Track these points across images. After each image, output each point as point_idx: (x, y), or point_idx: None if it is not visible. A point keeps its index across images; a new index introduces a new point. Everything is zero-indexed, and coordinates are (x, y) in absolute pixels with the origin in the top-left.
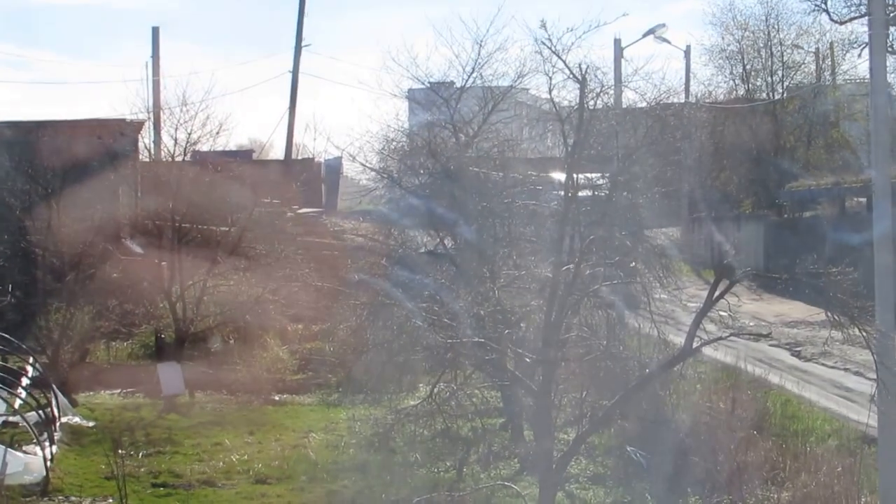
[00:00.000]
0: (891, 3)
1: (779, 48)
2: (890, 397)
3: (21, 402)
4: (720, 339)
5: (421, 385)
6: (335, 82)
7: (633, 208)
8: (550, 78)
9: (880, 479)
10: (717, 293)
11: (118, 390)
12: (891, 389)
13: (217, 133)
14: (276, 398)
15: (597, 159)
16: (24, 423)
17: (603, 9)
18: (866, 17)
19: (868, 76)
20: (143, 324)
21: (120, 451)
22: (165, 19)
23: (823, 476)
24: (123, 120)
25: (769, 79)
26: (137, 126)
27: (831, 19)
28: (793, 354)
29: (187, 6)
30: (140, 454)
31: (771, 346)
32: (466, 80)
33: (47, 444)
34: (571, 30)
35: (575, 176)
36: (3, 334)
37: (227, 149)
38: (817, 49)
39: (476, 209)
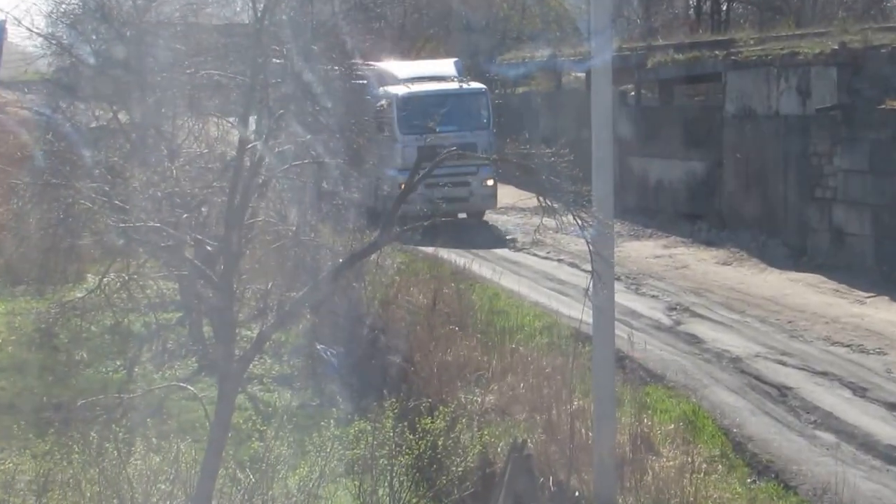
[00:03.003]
0: None
1: None
2: (605, 291)
3: None
4: (419, 225)
5: (89, 275)
6: None
7: (328, 81)
8: None
9: (594, 381)
10: (419, 175)
11: None
12: (606, 283)
13: None
14: None
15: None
16: None
17: None
18: None
19: None
20: None
21: None
22: None
23: (532, 377)
24: None
25: None
26: None
27: None
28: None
29: None
30: None
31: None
32: None
33: None
34: None
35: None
36: None
37: None
38: None
39: (155, 80)
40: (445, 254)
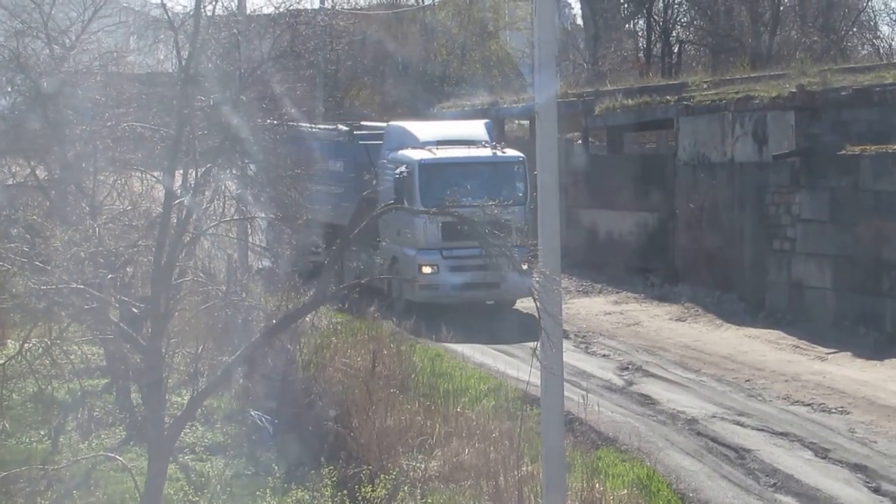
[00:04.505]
0: None
1: None
2: (554, 351)
3: None
4: (358, 282)
5: (9, 341)
6: None
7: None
8: None
9: (543, 446)
10: (358, 228)
11: None
12: (555, 341)
13: None
14: None
15: (217, 73)
16: None
17: None
18: None
19: None
20: None
21: None
22: None
23: (478, 442)
24: None
25: None
26: None
27: None
28: None
29: None
30: None
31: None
32: None
33: None
34: None
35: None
36: None
37: None
38: None
39: (74, 133)
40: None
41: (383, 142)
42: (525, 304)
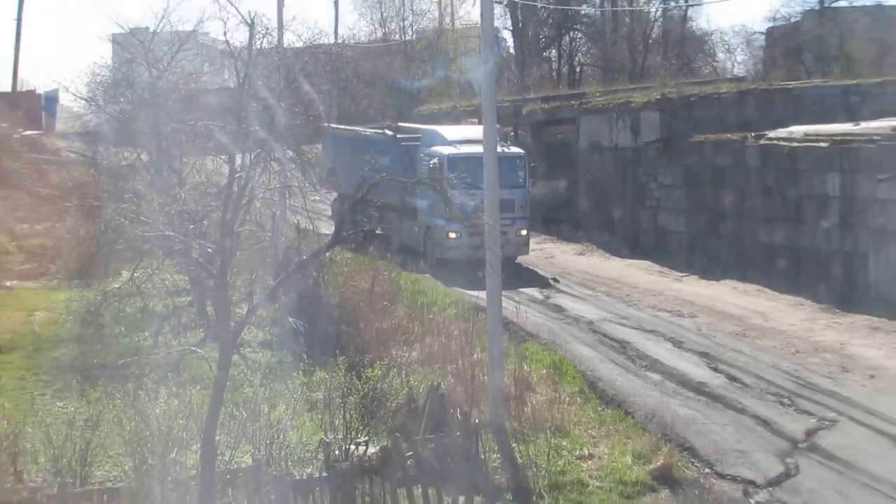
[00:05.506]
0: None
1: None
2: (494, 275)
3: None
4: (360, 231)
5: (123, 271)
6: (55, 27)
7: (292, 129)
8: (225, 23)
9: (488, 340)
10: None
11: None
12: (495, 269)
13: None
14: (7, 284)
15: (263, 87)
16: None
17: None
18: None
19: (479, 21)
20: None
21: None
22: None
23: (444, 337)
24: None
25: (402, 23)
26: None
27: None
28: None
29: None
30: None
31: None
32: (158, 26)
33: None
34: None
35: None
36: None
37: None
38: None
39: (166, 129)
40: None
41: (420, 141)
42: (522, 259)
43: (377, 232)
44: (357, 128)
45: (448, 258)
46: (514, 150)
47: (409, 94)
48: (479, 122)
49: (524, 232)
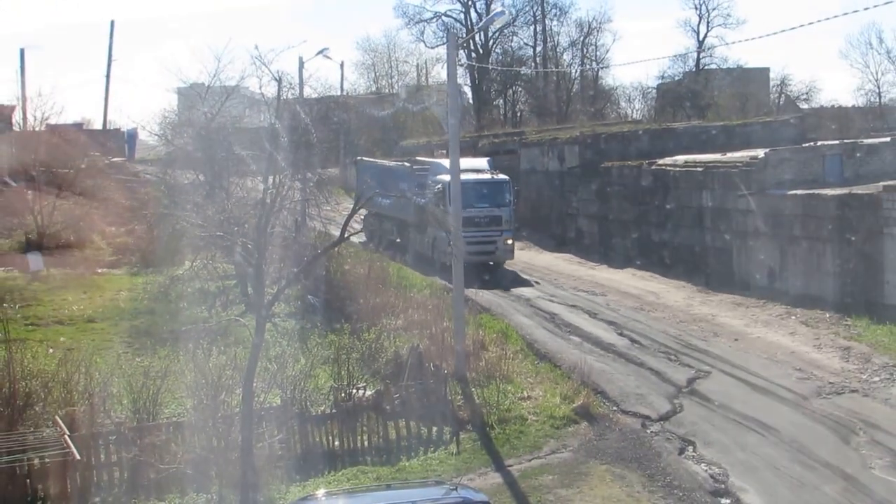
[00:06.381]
0: (460, 37)
1: (395, 63)
2: (459, 264)
3: None
4: (357, 231)
5: (186, 261)
6: (135, 81)
7: (313, 154)
8: (260, 79)
9: (454, 312)
10: (358, 206)
11: (1, 269)
12: (459, 258)
13: (60, 113)
14: (99, 271)
15: (288, 127)
16: None
17: (291, 34)
18: (445, 45)
19: (446, 78)
20: (17, 229)
21: (4, 305)
22: (29, 40)
23: (421, 310)
24: (2, 105)
25: (390, 81)
26: (10, 109)
27: (426, 46)
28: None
29: (45, 31)
30: (17, 306)
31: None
32: (211, 81)
33: None
34: (272, 50)
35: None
36: None
37: (67, 122)
38: (418, 63)
39: (217, 157)
40: (372, 245)
41: (429, 170)
42: (509, 264)
43: (396, 240)
44: (384, 161)
45: (450, 263)
46: (502, 176)
47: (396, 131)
48: (447, 155)
49: (510, 241)
